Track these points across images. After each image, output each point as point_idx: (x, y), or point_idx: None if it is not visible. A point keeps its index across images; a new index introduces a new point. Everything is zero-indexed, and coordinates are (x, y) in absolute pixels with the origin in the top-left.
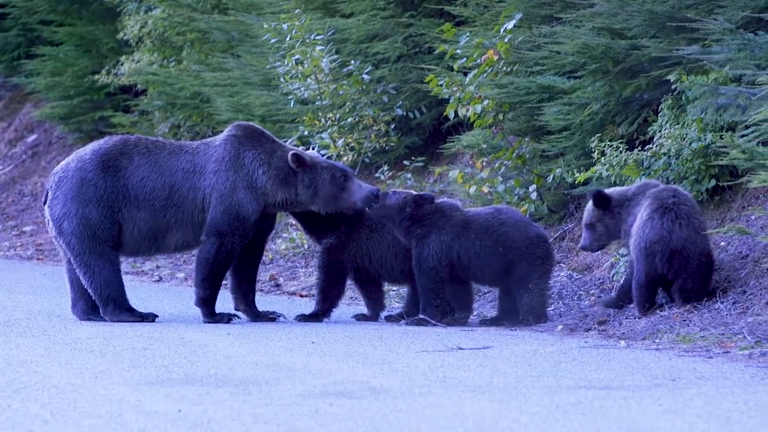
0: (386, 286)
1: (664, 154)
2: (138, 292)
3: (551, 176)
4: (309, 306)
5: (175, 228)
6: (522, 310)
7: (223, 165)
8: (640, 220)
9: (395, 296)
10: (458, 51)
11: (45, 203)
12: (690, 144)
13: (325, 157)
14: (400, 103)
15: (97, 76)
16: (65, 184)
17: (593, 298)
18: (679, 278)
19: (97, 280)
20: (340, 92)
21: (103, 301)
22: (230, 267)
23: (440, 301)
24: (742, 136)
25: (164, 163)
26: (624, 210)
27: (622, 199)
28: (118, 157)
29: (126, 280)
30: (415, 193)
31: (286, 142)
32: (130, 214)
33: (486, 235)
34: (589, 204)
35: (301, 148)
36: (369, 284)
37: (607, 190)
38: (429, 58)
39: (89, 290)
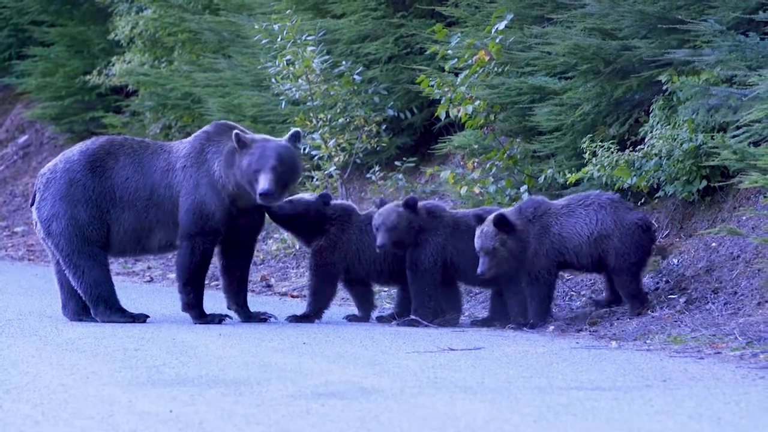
0: (377, 287)
1: (656, 154)
2: (129, 292)
3: (542, 177)
4: (300, 307)
5: (157, 228)
6: (512, 310)
7: (189, 161)
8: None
9: (386, 297)
10: (449, 51)
11: (32, 205)
12: (681, 145)
13: (315, 158)
14: (392, 103)
15: (88, 77)
16: (53, 185)
17: (584, 299)
18: None
19: (86, 280)
20: (332, 93)
21: (93, 301)
22: (220, 267)
23: (433, 302)
24: (734, 136)
25: (146, 162)
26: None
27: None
28: (105, 158)
29: (117, 280)
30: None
31: None
32: (116, 214)
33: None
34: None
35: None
36: (358, 285)
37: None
38: (420, 58)
39: (79, 291)
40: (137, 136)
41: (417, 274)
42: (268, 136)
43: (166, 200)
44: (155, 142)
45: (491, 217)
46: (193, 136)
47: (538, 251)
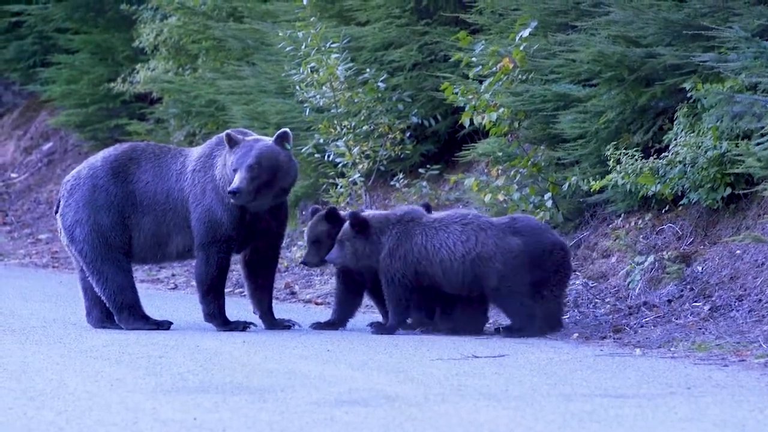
0: None
1: (680, 162)
2: (154, 299)
3: (566, 184)
4: (324, 314)
5: (174, 233)
6: (538, 318)
7: (198, 164)
8: None
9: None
10: (474, 59)
11: (57, 212)
12: (705, 152)
13: (340, 165)
14: (416, 111)
15: (112, 84)
16: (77, 192)
17: (608, 306)
18: None
19: (110, 287)
20: (356, 100)
21: (117, 308)
22: (243, 274)
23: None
24: (758, 144)
25: (164, 167)
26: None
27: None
28: (127, 163)
29: (142, 288)
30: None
31: (301, 150)
32: (136, 219)
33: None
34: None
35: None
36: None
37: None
38: (444, 66)
39: (103, 297)
40: (162, 143)
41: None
42: (261, 137)
43: (179, 204)
44: (177, 147)
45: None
46: (207, 142)
47: (392, 254)
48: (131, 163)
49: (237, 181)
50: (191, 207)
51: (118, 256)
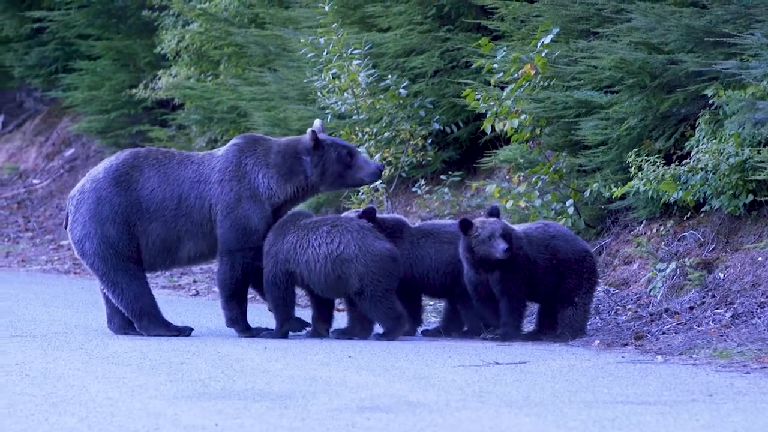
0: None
1: (702, 169)
2: (175, 306)
3: (588, 191)
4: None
5: (186, 238)
6: (562, 324)
7: (227, 175)
8: None
9: (432, 311)
10: (495, 65)
11: (66, 227)
12: (727, 159)
13: None
14: (437, 117)
15: (134, 90)
16: (83, 206)
17: (630, 313)
18: None
19: (126, 296)
20: (377, 107)
21: (136, 315)
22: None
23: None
24: None
25: (172, 173)
26: None
27: None
28: (129, 171)
29: (162, 294)
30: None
31: None
32: (143, 227)
33: (544, 248)
34: None
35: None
36: (409, 299)
37: None
38: (466, 72)
39: (121, 308)
40: (183, 150)
41: (509, 295)
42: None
43: (196, 211)
44: (180, 152)
45: None
46: (223, 149)
47: (269, 253)
48: (133, 171)
49: (374, 167)
50: (219, 215)
51: (129, 265)
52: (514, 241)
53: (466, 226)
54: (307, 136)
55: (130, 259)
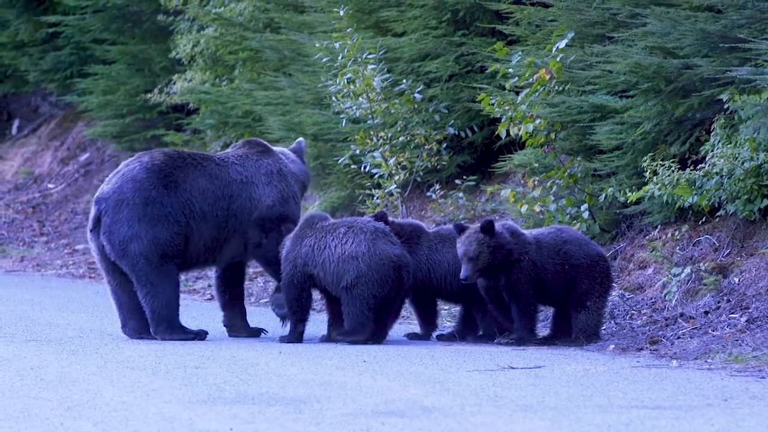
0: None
1: (717, 173)
2: (190, 310)
3: (603, 195)
4: None
5: (232, 238)
6: (576, 328)
7: (274, 179)
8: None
9: (447, 315)
10: (510, 70)
11: (93, 229)
12: (742, 163)
13: (376, 176)
14: (452, 122)
15: (149, 95)
16: (126, 207)
17: (645, 317)
18: None
19: (159, 299)
20: (392, 111)
21: (157, 319)
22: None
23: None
24: None
25: (217, 174)
26: None
27: None
28: (174, 172)
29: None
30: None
31: (338, 160)
32: (197, 226)
33: (555, 253)
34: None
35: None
36: (425, 303)
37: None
38: (481, 77)
39: (147, 307)
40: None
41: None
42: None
43: (245, 211)
44: (207, 154)
45: None
46: (253, 153)
47: (287, 258)
48: (178, 172)
49: None
50: (268, 212)
51: (171, 267)
52: (487, 257)
53: (460, 230)
54: (301, 145)
55: (174, 260)
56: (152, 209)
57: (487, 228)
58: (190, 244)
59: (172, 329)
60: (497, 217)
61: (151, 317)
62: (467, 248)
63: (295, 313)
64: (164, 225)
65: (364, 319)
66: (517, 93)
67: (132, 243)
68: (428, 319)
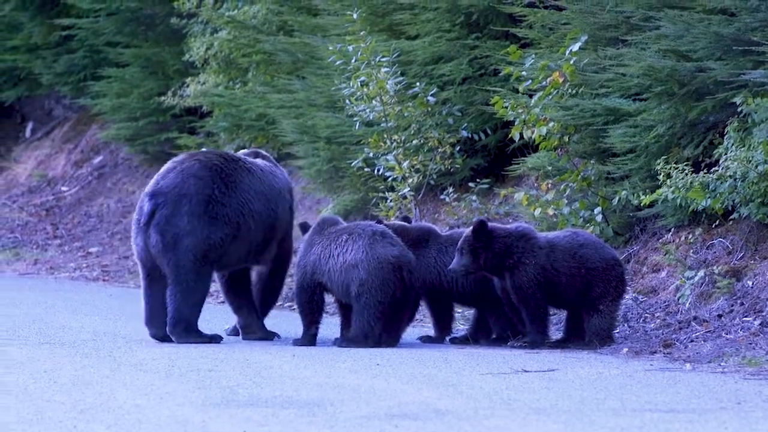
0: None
1: (730, 176)
2: (203, 313)
3: (616, 198)
4: None
5: (273, 242)
6: (589, 331)
7: (289, 191)
8: None
9: (460, 318)
10: (523, 73)
11: (146, 223)
12: (756, 167)
13: (389, 179)
14: (466, 125)
15: (162, 98)
16: (188, 202)
17: (658, 321)
18: None
19: (188, 300)
20: (406, 114)
21: (177, 318)
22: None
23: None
24: None
25: (265, 180)
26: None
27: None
28: (233, 174)
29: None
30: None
31: (351, 163)
32: (247, 227)
33: (570, 256)
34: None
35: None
36: (440, 306)
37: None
38: (494, 80)
39: (172, 305)
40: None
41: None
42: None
43: (284, 219)
44: (251, 159)
45: None
46: (268, 163)
47: (299, 264)
48: (236, 174)
49: None
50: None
51: (209, 270)
52: (469, 256)
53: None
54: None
55: (214, 263)
56: (213, 208)
57: (476, 228)
58: (236, 245)
59: (189, 332)
60: (511, 221)
61: (171, 315)
62: (459, 243)
63: (307, 317)
64: (219, 226)
65: (369, 329)
66: (531, 96)
67: (186, 238)
68: (443, 323)
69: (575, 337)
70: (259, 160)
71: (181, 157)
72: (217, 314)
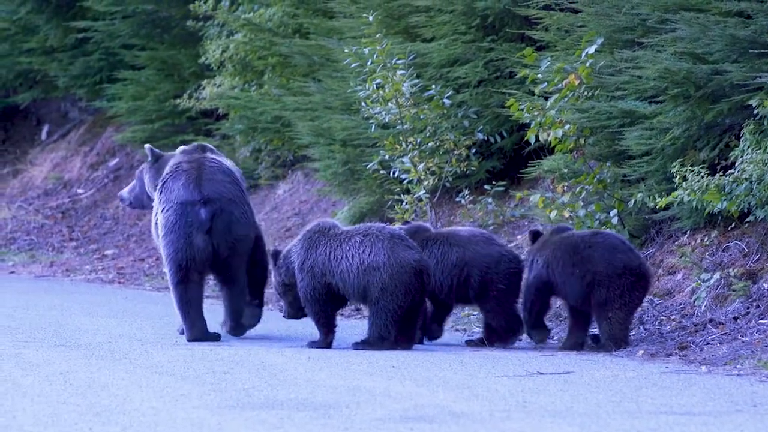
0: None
1: (746, 179)
2: (217, 316)
3: (632, 201)
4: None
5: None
6: (603, 334)
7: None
8: None
9: (475, 320)
10: (539, 75)
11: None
12: None
13: (405, 182)
14: (481, 127)
15: (178, 100)
16: (237, 207)
17: (674, 323)
18: None
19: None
20: (421, 116)
21: (238, 317)
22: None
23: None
24: None
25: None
26: None
27: None
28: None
29: (206, 303)
30: None
31: (367, 166)
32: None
33: (576, 256)
34: None
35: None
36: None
37: None
38: (510, 82)
39: (238, 305)
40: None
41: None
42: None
43: None
44: None
45: None
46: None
47: (303, 268)
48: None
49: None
50: None
51: None
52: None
53: (533, 236)
54: None
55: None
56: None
57: None
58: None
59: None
60: (527, 223)
61: (238, 314)
62: None
63: (324, 327)
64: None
65: (386, 332)
66: (546, 98)
67: (245, 241)
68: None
69: (577, 334)
70: (222, 156)
71: (213, 155)
72: (217, 315)
